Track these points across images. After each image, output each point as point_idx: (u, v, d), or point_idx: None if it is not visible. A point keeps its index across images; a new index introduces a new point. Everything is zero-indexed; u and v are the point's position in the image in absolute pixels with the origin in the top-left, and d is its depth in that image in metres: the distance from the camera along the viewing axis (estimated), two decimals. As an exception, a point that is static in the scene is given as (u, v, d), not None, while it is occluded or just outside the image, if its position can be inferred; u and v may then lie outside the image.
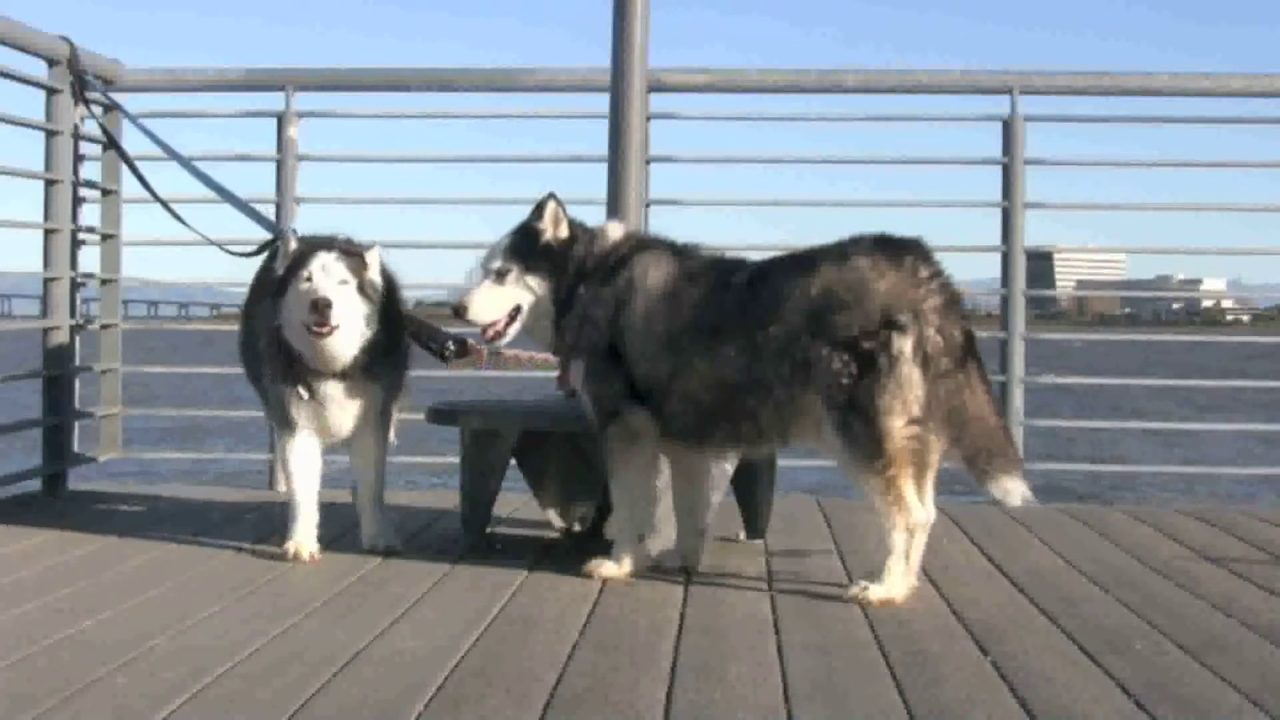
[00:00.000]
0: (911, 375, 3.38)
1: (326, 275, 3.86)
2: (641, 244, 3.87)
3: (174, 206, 5.02)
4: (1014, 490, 3.42)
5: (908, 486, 3.43)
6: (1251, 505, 6.60)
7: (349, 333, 3.88)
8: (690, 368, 3.64)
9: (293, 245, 3.96)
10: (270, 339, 3.97)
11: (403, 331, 4.14)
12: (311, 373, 3.93)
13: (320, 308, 3.82)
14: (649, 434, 3.74)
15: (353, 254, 3.93)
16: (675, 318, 3.69)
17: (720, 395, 3.60)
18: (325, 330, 3.83)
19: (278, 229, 4.51)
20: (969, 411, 3.41)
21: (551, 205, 3.84)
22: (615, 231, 3.92)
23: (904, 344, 3.38)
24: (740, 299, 3.62)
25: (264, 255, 4.39)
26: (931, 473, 3.54)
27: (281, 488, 4.43)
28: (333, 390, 3.95)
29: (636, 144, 4.62)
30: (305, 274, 3.88)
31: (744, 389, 3.57)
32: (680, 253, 3.82)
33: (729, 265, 3.77)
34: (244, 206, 4.75)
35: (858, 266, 3.47)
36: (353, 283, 3.89)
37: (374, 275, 3.96)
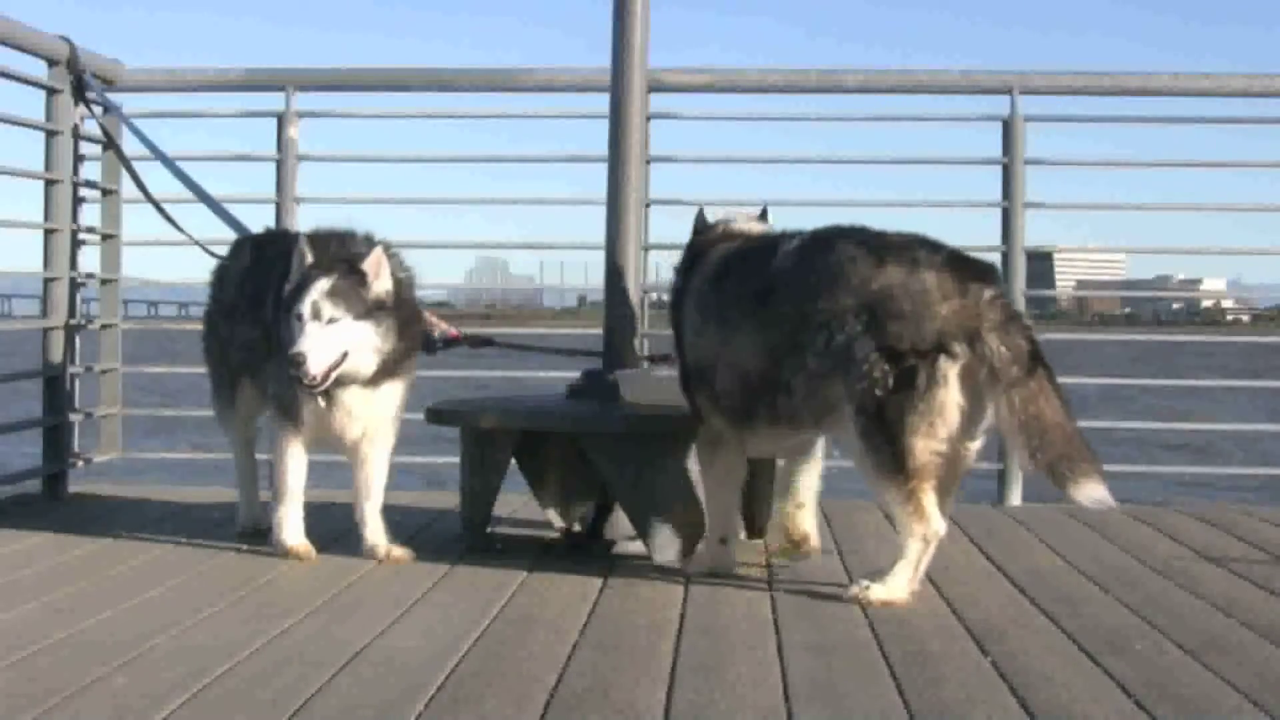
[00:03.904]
0: (948, 401, 3.32)
1: (315, 320, 3.71)
2: (726, 234, 3.95)
3: (173, 206, 5.03)
4: (1097, 495, 3.31)
5: (929, 499, 3.39)
6: (1252, 505, 6.59)
7: (357, 362, 3.80)
8: (737, 335, 3.62)
9: (308, 258, 3.79)
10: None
11: (421, 327, 4.07)
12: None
13: (297, 363, 3.67)
14: (731, 438, 3.75)
15: (355, 270, 3.78)
16: (724, 290, 3.70)
17: (763, 363, 3.56)
18: (308, 383, 3.71)
19: (248, 232, 4.52)
20: (1046, 419, 3.32)
21: (698, 211, 4.05)
22: (726, 224, 4.03)
23: (950, 370, 3.32)
24: (793, 263, 3.59)
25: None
26: (954, 487, 3.52)
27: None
28: (350, 398, 3.89)
29: (636, 144, 4.62)
30: (297, 309, 3.73)
31: (784, 357, 3.52)
32: (745, 233, 3.88)
33: (785, 235, 3.75)
34: (218, 208, 4.74)
35: (925, 280, 3.38)
36: (346, 317, 3.74)
37: (381, 287, 3.82)
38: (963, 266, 3.43)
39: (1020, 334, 3.36)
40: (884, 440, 3.35)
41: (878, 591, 3.43)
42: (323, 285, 3.76)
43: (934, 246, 3.48)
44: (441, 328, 4.31)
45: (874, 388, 3.35)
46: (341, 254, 3.86)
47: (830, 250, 3.53)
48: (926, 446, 3.34)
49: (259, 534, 4.22)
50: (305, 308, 3.74)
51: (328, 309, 3.75)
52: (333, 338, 3.75)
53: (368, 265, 3.82)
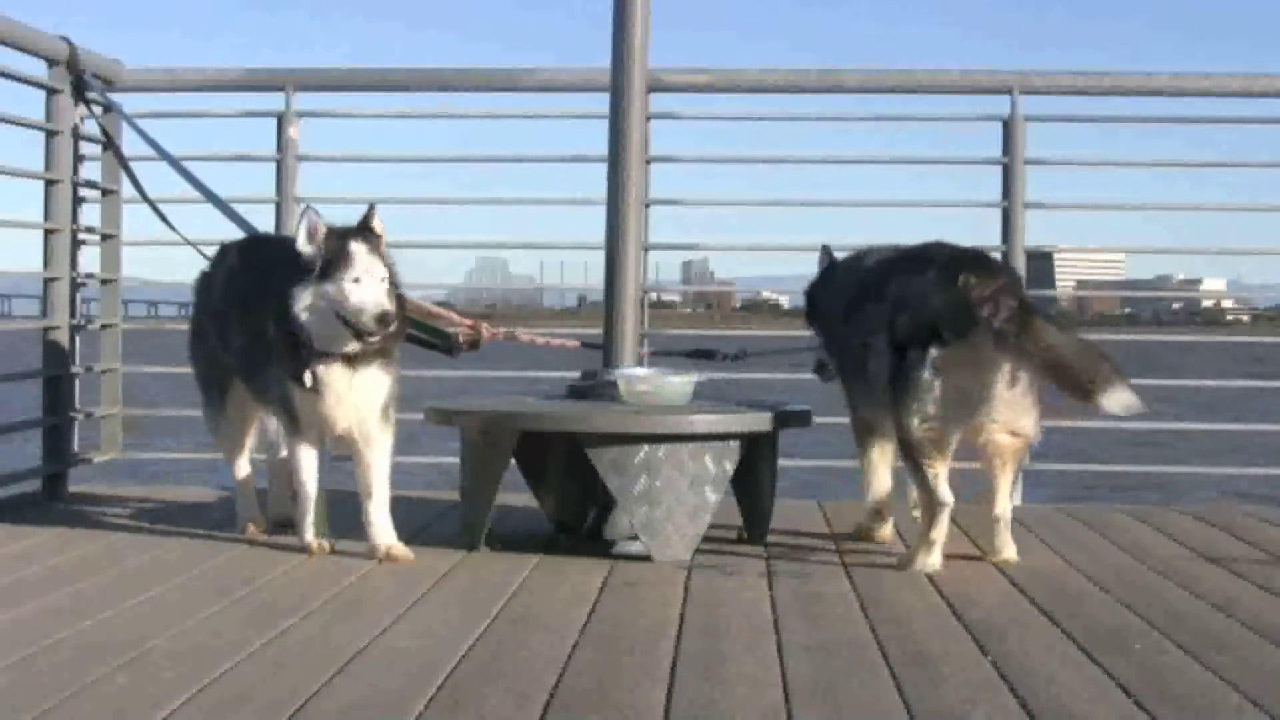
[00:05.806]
0: (934, 384, 3.68)
1: (374, 278, 3.83)
2: None
3: (171, 207, 5.03)
4: (1125, 401, 3.59)
5: (931, 472, 3.76)
6: (1252, 505, 6.59)
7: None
8: (849, 330, 4.05)
9: (321, 230, 3.86)
10: (285, 326, 3.87)
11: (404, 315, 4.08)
12: (320, 357, 3.87)
13: (387, 321, 3.80)
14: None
15: (373, 235, 3.90)
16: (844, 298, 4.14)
17: (860, 360, 3.97)
18: (378, 340, 3.85)
19: (254, 230, 4.52)
20: (1058, 351, 3.60)
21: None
22: None
23: (937, 356, 3.67)
24: (871, 274, 4.06)
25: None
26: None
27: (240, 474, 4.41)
28: (335, 378, 3.90)
29: (636, 144, 4.62)
30: (352, 274, 3.81)
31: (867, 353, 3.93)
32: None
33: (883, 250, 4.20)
34: (227, 209, 4.73)
35: (926, 277, 3.76)
36: (386, 275, 3.87)
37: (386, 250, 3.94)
38: (961, 261, 3.79)
39: (1009, 298, 3.66)
40: (894, 418, 3.79)
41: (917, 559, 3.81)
42: (368, 246, 3.86)
43: (943, 249, 3.89)
44: (465, 325, 4.31)
45: (886, 373, 3.79)
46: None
47: (893, 262, 4.01)
48: (917, 425, 3.73)
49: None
50: (362, 268, 3.82)
51: (379, 268, 3.86)
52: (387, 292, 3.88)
53: (378, 225, 3.92)
